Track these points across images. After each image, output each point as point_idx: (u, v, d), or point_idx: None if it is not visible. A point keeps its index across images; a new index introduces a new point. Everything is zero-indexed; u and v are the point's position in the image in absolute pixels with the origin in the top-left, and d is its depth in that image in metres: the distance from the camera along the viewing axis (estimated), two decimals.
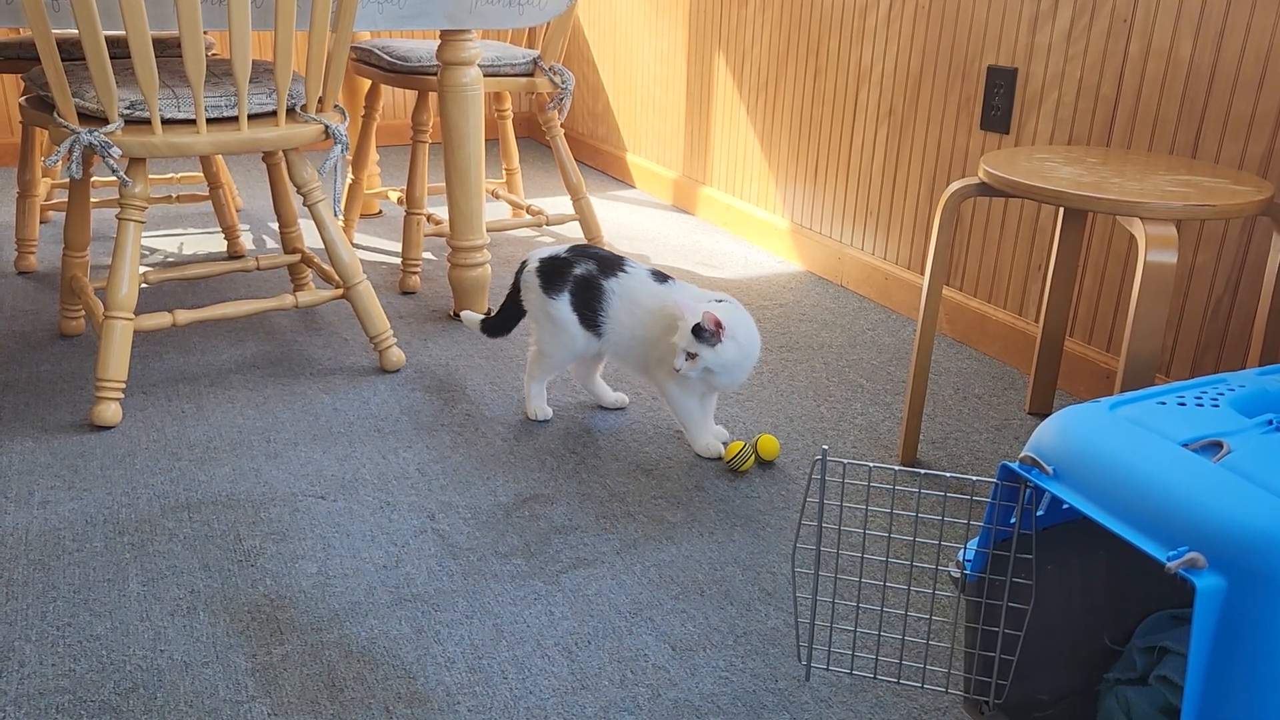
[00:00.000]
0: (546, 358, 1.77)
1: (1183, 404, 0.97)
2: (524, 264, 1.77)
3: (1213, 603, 0.79)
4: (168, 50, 2.52)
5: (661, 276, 1.71)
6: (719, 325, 1.57)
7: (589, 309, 1.70)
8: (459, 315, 1.88)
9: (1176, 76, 1.73)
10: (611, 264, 1.71)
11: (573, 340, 1.73)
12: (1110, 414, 0.96)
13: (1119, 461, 0.89)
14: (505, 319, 1.84)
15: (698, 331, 1.57)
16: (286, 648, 1.23)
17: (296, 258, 2.22)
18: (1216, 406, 0.96)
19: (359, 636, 1.26)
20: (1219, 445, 0.88)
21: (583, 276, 1.70)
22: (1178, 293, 1.79)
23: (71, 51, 2.38)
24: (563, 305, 1.71)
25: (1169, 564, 0.80)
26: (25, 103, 1.90)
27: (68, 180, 2.66)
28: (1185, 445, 0.89)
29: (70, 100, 1.67)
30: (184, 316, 1.85)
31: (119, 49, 2.36)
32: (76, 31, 2.37)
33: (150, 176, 1.82)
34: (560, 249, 1.76)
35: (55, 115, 1.70)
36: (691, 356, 1.58)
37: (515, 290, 1.79)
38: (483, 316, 1.88)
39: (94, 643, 1.23)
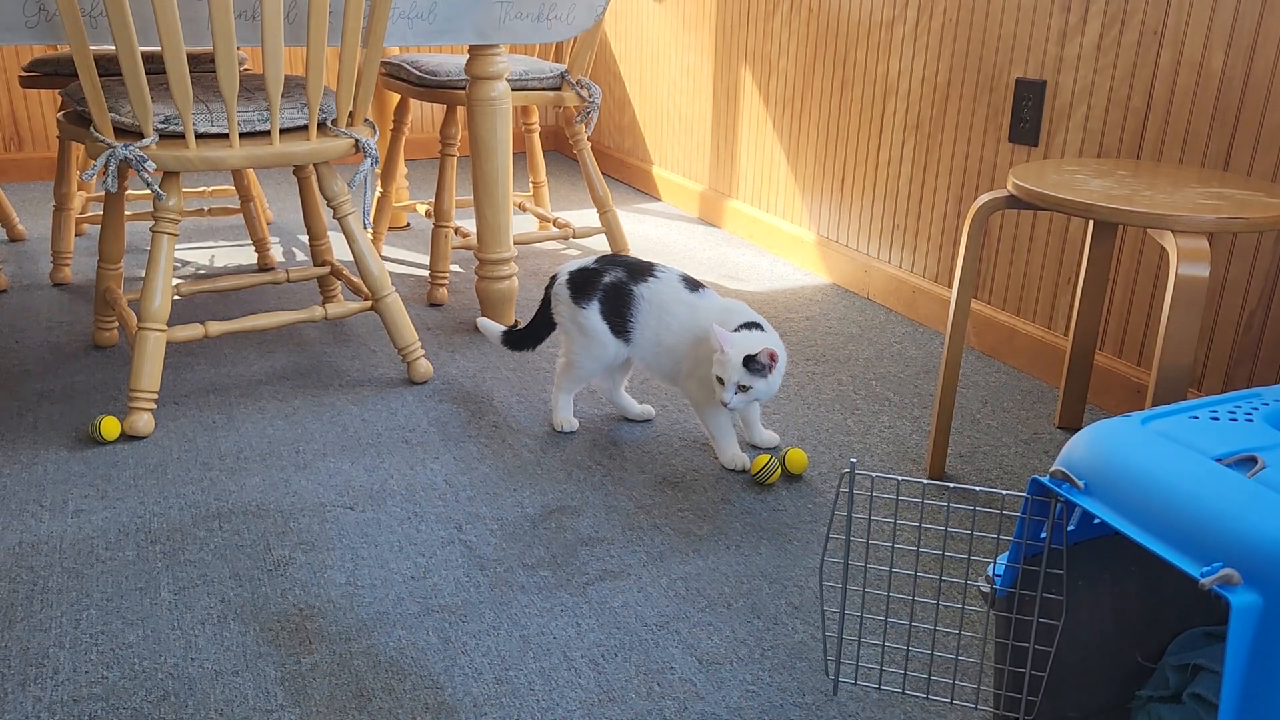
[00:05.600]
0: (577, 369, 1.78)
1: (1216, 419, 0.96)
2: (554, 278, 1.79)
3: (1248, 620, 0.78)
4: (201, 65, 2.55)
5: (693, 284, 1.72)
6: (774, 359, 1.58)
7: (619, 316, 1.72)
8: (481, 329, 1.88)
9: (1208, 88, 1.72)
10: (640, 270, 1.73)
11: (603, 349, 1.74)
12: (1142, 428, 0.95)
13: (1151, 476, 0.88)
14: (532, 333, 1.85)
15: (750, 364, 1.56)
16: (315, 657, 1.24)
17: (326, 270, 2.25)
18: (1250, 421, 0.95)
19: (387, 647, 1.26)
20: (1253, 460, 0.87)
21: (611, 284, 1.72)
22: (1210, 306, 1.77)
23: (108, 67, 2.42)
24: (592, 314, 1.73)
25: (1203, 580, 0.79)
26: (62, 118, 1.94)
27: (103, 194, 2.71)
28: (1219, 460, 0.89)
29: (106, 115, 1.69)
30: (215, 328, 1.88)
31: (154, 65, 2.40)
32: (113, 48, 2.41)
33: (183, 190, 1.85)
34: (589, 260, 1.77)
35: (92, 130, 1.73)
36: (744, 389, 1.58)
37: (546, 304, 1.81)
38: (504, 328, 1.88)
39: (126, 650, 1.25)
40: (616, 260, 1.75)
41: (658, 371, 1.76)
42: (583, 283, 1.74)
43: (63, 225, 2.54)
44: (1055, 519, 0.97)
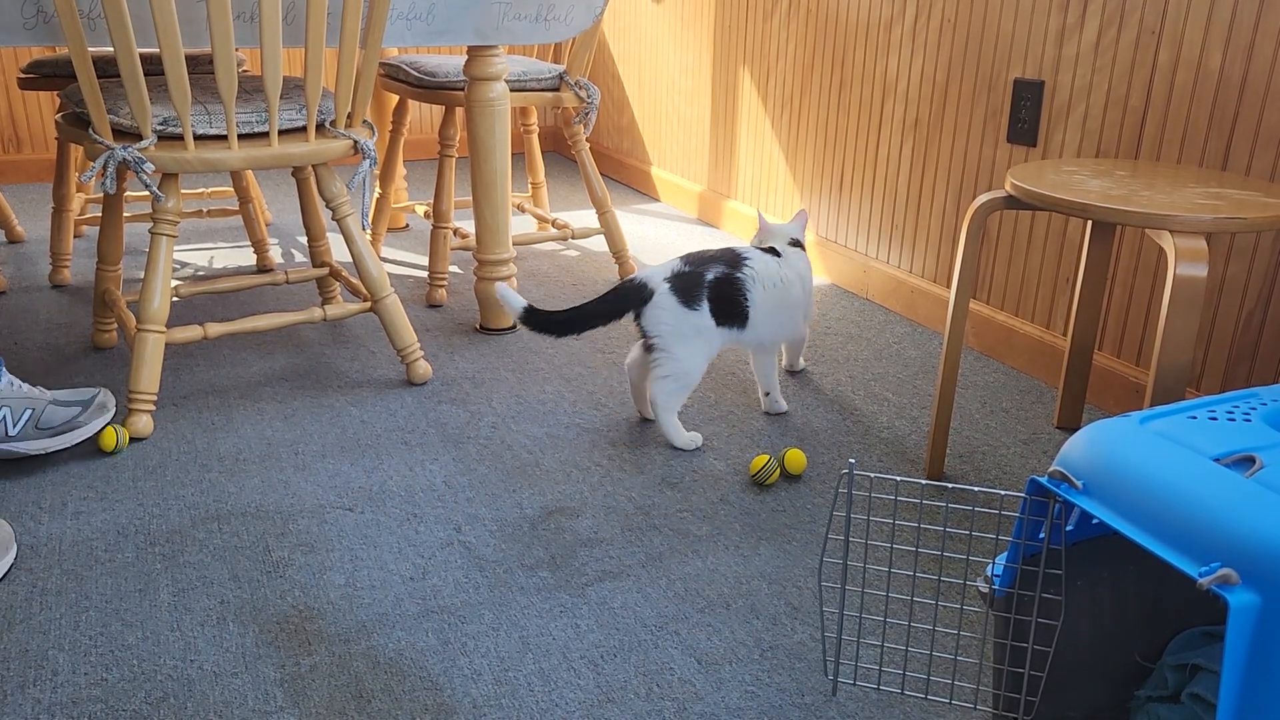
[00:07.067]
0: (687, 376, 1.73)
1: (1214, 418, 0.96)
2: (641, 289, 1.71)
3: (1246, 620, 0.78)
4: (200, 67, 2.55)
5: (772, 250, 1.86)
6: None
7: (733, 306, 1.74)
8: (499, 296, 1.75)
9: (1206, 87, 1.72)
10: (734, 259, 1.77)
11: (712, 346, 1.75)
12: (1140, 428, 0.95)
13: (1150, 476, 0.88)
14: (563, 324, 1.72)
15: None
16: (315, 658, 1.24)
17: (325, 271, 2.25)
18: (1249, 421, 0.95)
19: (386, 648, 1.26)
20: (1252, 460, 0.88)
21: (716, 279, 1.73)
22: (1208, 306, 1.77)
23: (106, 69, 2.42)
24: (705, 314, 1.72)
25: (1201, 580, 0.79)
26: (61, 119, 1.94)
27: (101, 195, 2.71)
28: (1217, 460, 0.89)
29: (105, 117, 1.69)
30: (214, 329, 1.88)
31: (153, 66, 2.40)
32: (112, 49, 2.41)
33: (182, 191, 1.85)
34: (674, 265, 1.75)
35: (90, 131, 1.73)
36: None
37: (612, 313, 1.72)
38: (526, 303, 1.73)
39: (125, 652, 1.25)
40: (702, 257, 1.77)
41: (764, 342, 1.83)
42: (687, 287, 1.71)
43: (61, 227, 2.54)
44: (1054, 519, 0.97)
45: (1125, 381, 1.91)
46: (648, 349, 1.74)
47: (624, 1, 3.69)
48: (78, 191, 2.80)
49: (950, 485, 1.05)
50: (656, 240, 3.08)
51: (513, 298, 1.73)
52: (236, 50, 2.26)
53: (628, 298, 1.73)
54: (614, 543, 1.50)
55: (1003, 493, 0.98)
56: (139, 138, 1.73)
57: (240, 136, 1.81)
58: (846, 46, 2.55)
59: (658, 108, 3.56)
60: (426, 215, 2.61)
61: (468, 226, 3.12)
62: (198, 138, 1.78)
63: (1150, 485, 0.88)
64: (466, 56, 2.14)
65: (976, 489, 1.11)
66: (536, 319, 1.73)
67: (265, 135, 1.83)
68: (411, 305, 2.47)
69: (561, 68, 2.53)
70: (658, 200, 3.60)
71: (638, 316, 1.74)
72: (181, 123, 1.70)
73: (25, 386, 1.60)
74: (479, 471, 1.69)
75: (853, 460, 1.02)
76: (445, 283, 2.47)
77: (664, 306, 1.71)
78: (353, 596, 1.36)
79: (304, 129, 1.87)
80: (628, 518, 1.56)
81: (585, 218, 3.32)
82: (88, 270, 2.68)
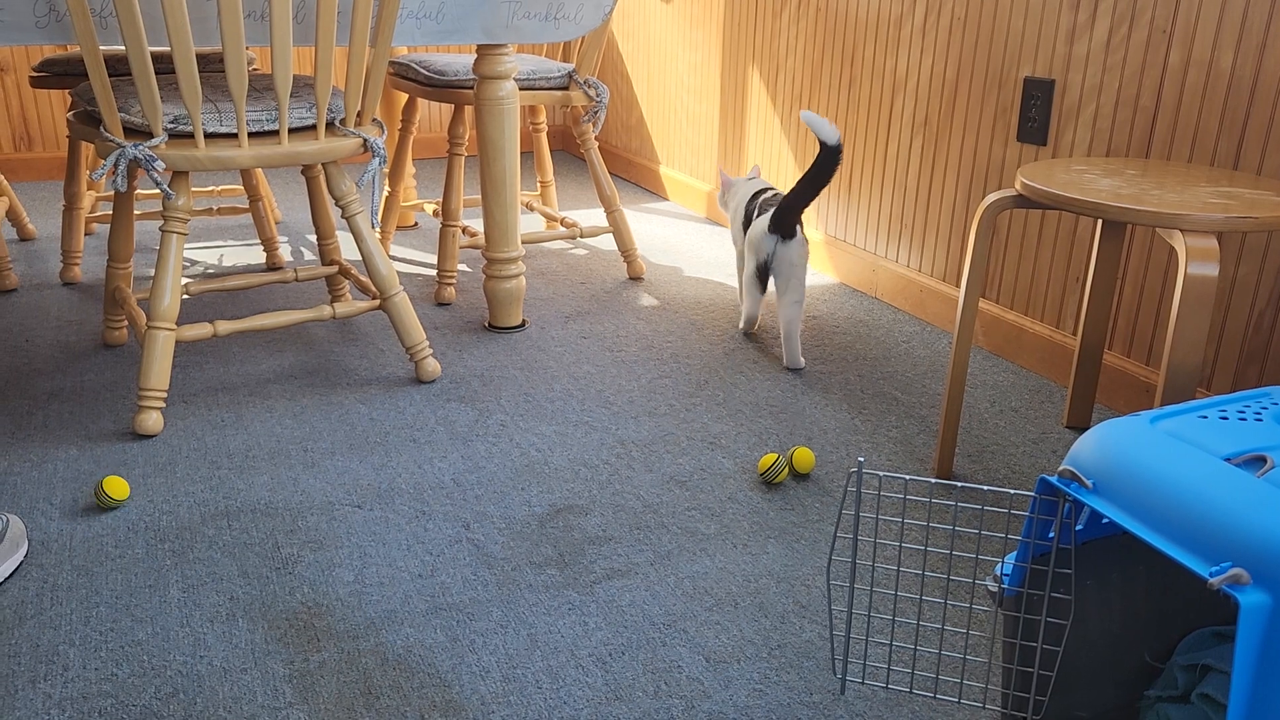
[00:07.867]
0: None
1: (1225, 418, 0.96)
2: (794, 229, 2.06)
3: (1256, 620, 0.78)
4: (210, 65, 2.56)
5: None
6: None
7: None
8: (805, 118, 2.04)
9: (1217, 87, 1.71)
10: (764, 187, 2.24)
11: None
12: (1151, 427, 0.95)
13: (1160, 475, 0.88)
14: (832, 165, 2.03)
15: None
16: (323, 655, 1.24)
17: (334, 269, 2.25)
18: (1260, 421, 0.95)
19: (395, 645, 1.27)
20: (1263, 460, 0.87)
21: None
22: (1219, 305, 1.76)
23: (117, 67, 2.43)
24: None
25: (1211, 580, 0.79)
26: (72, 118, 1.94)
27: (112, 193, 2.72)
28: (1228, 460, 0.88)
29: (116, 115, 1.70)
30: (224, 327, 1.88)
31: (163, 64, 2.40)
32: (123, 48, 2.42)
33: (192, 189, 1.85)
34: (777, 210, 2.06)
35: (101, 130, 1.74)
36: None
37: (814, 191, 2.04)
38: (839, 136, 2.03)
39: (135, 648, 1.25)
40: (787, 197, 2.05)
41: None
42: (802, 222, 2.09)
43: (72, 224, 2.55)
44: (1063, 518, 0.97)
45: (1135, 381, 1.91)
46: (777, 276, 2.08)
47: (633, 0, 3.68)
48: (89, 189, 2.81)
49: (959, 484, 1.05)
50: (665, 239, 3.08)
51: (822, 126, 2.01)
52: (247, 49, 2.26)
53: (780, 236, 2.06)
54: (622, 541, 1.50)
55: (1012, 492, 0.98)
56: (150, 136, 1.74)
57: (250, 135, 1.82)
58: (856, 43, 2.55)
59: (666, 106, 3.56)
60: (435, 214, 2.61)
61: (476, 225, 3.13)
62: (208, 136, 1.78)
63: (1161, 485, 0.88)
64: (476, 55, 2.14)
65: (986, 488, 1.11)
66: (833, 151, 2.03)
67: (275, 134, 1.84)
68: (420, 303, 2.48)
69: (570, 66, 2.53)
70: (666, 199, 3.60)
71: (778, 246, 2.07)
72: (192, 121, 1.71)
73: None
74: (487, 469, 1.69)
75: (862, 459, 1.02)
76: (454, 281, 2.47)
77: (802, 241, 2.07)
78: (361, 593, 1.36)
79: (314, 127, 1.88)
80: (636, 516, 1.56)
81: (594, 216, 3.32)
82: (98, 268, 2.69)
